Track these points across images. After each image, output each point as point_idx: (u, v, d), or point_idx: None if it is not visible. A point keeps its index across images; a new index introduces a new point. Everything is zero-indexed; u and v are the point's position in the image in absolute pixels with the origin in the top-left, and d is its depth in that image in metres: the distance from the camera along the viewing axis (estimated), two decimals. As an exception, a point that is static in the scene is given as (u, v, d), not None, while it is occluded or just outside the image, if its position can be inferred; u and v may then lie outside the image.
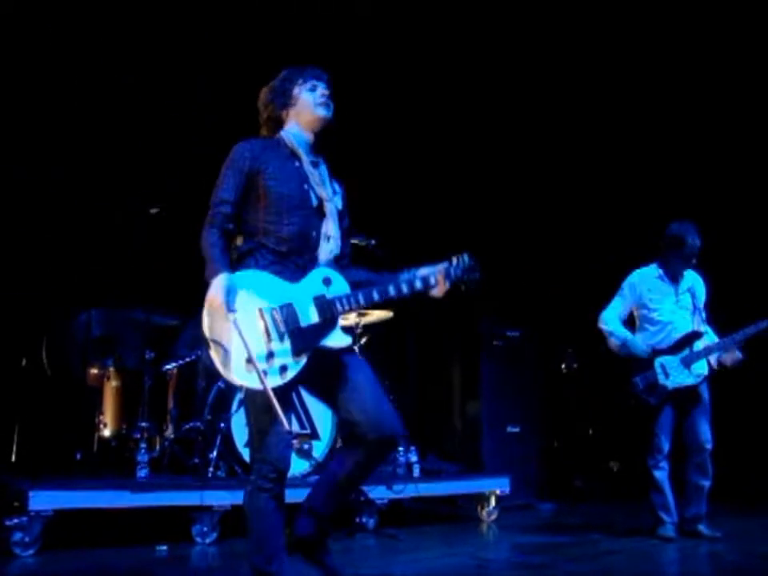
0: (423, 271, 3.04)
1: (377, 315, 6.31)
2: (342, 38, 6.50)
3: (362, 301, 2.95)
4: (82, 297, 6.39)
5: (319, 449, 5.47)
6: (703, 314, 5.21)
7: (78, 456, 5.33)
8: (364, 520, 5.16)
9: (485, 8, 6.60)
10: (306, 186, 3.02)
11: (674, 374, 5.00)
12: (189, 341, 6.19)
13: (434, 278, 2.99)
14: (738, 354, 5.02)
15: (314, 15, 6.40)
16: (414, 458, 5.68)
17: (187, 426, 5.65)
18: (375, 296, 2.97)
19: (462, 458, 6.78)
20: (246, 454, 5.25)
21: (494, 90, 7.38)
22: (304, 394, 5.53)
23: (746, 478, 7.28)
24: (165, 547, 4.48)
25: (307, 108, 3.08)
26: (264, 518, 2.92)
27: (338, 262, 3.07)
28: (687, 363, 5.01)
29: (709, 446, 5.04)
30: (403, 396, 6.81)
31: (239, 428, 5.26)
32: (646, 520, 5.17)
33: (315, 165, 3.09)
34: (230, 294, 2.79)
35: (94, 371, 6.12)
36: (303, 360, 2.86)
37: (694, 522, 5.06)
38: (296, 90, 3.10)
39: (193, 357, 5.98)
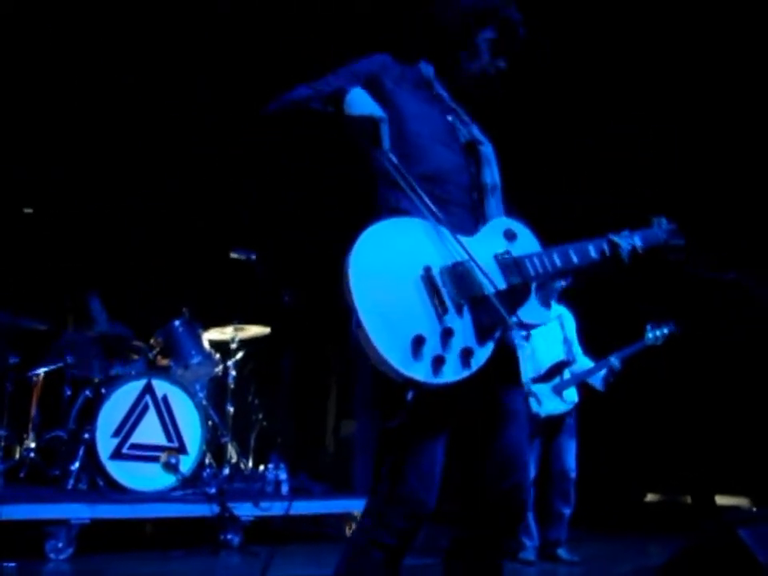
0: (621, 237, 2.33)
1: (253, 331, 6.26)
2: (341, 38, 6.43)
3: (558, 263, 2.18)
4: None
5: (187, 464, 5.36)
6: (575, 345, 5.38)
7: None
8: (229, 537, 5.02)
9: None
10: (449, 118, 2.30)
11: (547, 402, 5.12)
12: (59, 347, 6.02)
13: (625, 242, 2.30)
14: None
15: (313, 15, 6.32)
16: (283, 476, 5.61)
17: (49, 435, 5.46)
18: (574, 258, 2.21)
19: (333, 477, 6.75)
20: (110, 467, 5.09)
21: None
22: (172, 402, 5.42)
23: (607, 504, 7.53)
24: (13, 564, 4.23)
25: (478, 63, 2.33)
26: None
27: None
28: (559, 391, 5.15)
29: (573, 475, 5.20)
30: (276, 413, 6.76)
31: (104, 439, 5.12)
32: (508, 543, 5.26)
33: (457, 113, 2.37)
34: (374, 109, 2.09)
35: (-50, 374, 5.82)
36: (491, 345, 2.03)
37: (554, 547, 5.20)
38: (478, 38, 2.32)
39: (60, 363, 5.81)
